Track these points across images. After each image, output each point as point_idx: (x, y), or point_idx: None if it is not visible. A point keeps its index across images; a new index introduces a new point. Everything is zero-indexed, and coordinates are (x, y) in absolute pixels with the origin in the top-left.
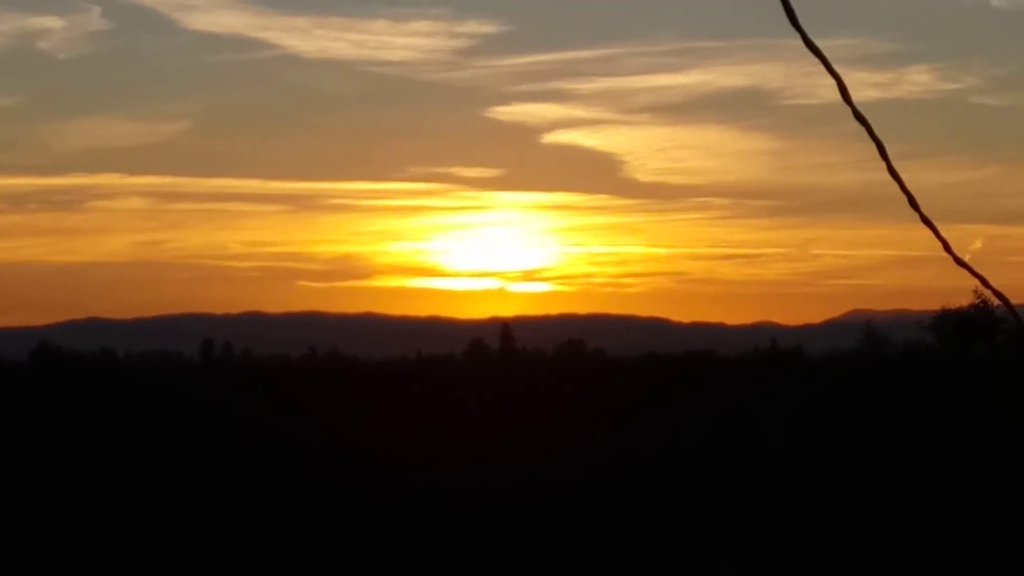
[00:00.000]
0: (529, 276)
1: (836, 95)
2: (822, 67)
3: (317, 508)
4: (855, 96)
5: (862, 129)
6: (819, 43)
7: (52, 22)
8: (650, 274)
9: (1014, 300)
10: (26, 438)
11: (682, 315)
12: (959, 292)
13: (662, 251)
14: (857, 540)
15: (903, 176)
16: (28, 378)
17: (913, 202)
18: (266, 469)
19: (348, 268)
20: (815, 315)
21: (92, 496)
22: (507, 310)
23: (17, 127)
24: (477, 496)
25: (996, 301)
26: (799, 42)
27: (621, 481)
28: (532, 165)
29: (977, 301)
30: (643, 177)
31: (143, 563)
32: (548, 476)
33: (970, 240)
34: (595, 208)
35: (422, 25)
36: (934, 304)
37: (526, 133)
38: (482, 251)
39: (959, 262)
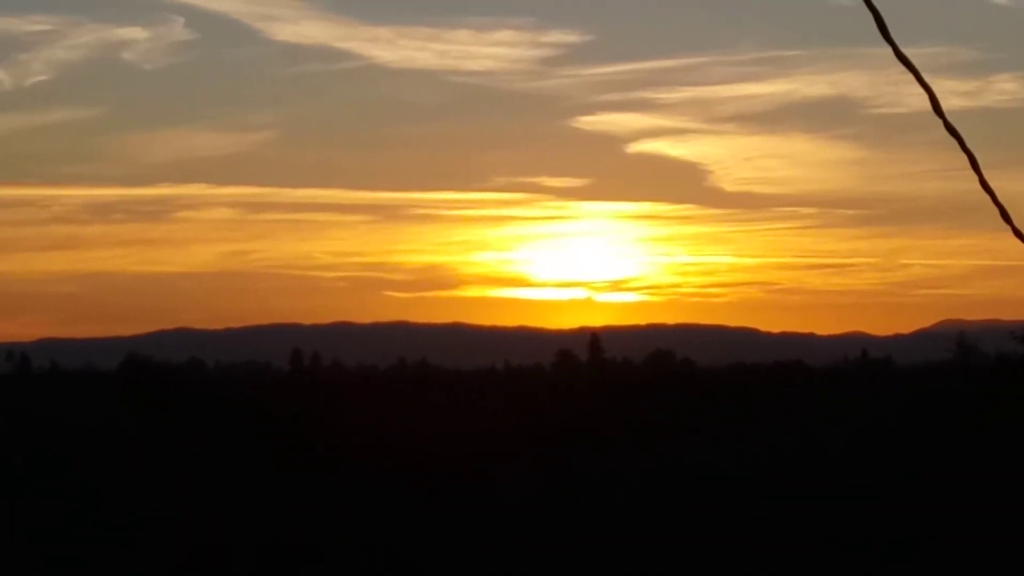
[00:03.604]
0: (616, 286)
1: (923, 103)
2: (908, 75)
3: (405, 518)
4: (941, 105)
5: (950, 137)
6: (904, 51)
7: (136, 33)
8: (738, 284)
9: None
10: (116, 446)
11: (771, 325)
12: None
13: (750, 261)
14: (949, 544)
15: (992, 186)
16: (119, 387)
17: (1006, 215)
18: (355, 476)
19: (435, 278)
20: (905, 325)
21: (178, 505)
22: (595, 320)
23: (103, 138)
24: (564, 501)
25: None
26: (885, 51)
27: (712, 488)
28: (618, 175)
29: None
30: (729, 187)
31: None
32: (637, 483)
33: None
34: (682, 218)
35: (506, 35)
36: None
37: (611, 143)
38: (569, 261)
39: None
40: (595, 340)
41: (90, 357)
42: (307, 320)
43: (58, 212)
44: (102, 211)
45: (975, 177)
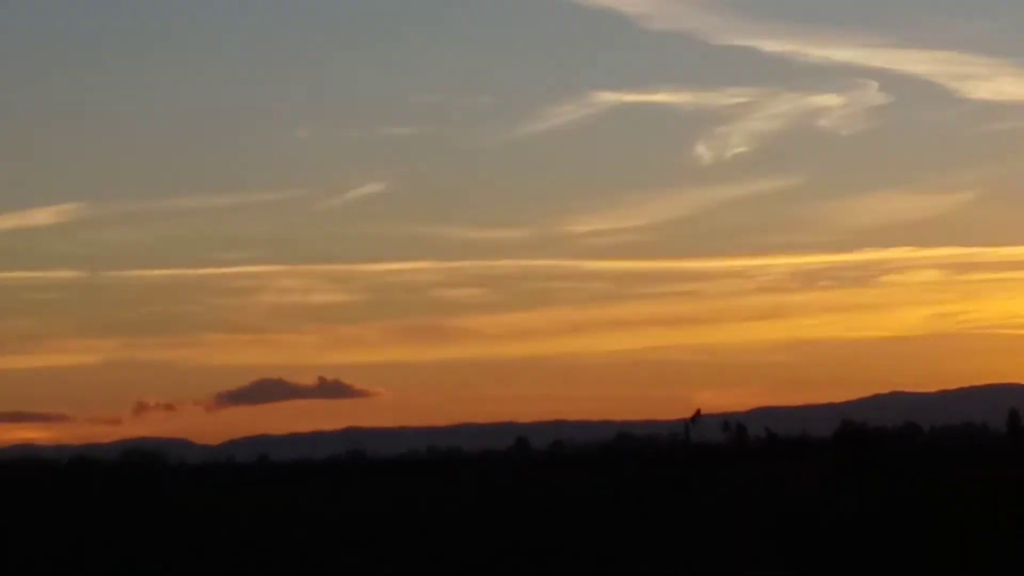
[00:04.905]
0: None
1: None
2: None
3: None
4: None
5: None
6: None
7: (831, 99)
8: None
9: None
10: (834, 518)
11: None
12: None
13: None
14: None
15: None
16: (834, 454)
17: None
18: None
19: None
20: None
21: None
22: None
23: (804, 206)
24: None
25: None
26: None
27: None
28: None
29: None
30: None
31: None
32: None
33: None
34: None
35: None
36: None
37: None
38: None
39: None
40: None
41: (804, 424)
42: (1022, 380)
43: (764, 282)
44: (808, 278)
45: None
